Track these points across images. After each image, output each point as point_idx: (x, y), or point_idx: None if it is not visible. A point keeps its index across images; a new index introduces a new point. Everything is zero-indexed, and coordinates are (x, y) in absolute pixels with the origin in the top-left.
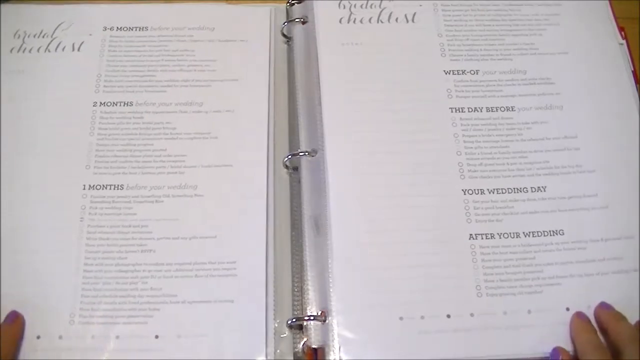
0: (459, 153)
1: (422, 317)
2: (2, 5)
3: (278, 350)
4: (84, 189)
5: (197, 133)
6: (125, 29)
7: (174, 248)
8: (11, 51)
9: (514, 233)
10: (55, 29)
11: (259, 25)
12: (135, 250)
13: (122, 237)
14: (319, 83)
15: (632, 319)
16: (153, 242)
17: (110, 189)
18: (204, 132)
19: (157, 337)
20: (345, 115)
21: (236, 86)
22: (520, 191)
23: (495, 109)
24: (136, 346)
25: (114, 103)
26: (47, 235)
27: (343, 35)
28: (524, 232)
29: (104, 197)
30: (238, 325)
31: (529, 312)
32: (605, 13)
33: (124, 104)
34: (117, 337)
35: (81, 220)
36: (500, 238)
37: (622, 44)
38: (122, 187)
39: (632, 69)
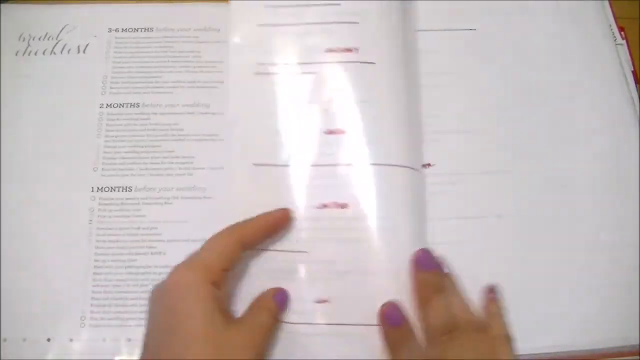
0: None
1: None
2: (3, 5)
3: None
4: (92, 191)
5: (205, 135)
6: (130, 30)
7: (184, 250)
8: (16, 54)
9: None
10: (60, 31)
11: None
12: (145, 252)
13: (132, 239)
14: None
15: None
16: (163, 244)
17: (118, 191)
18: (212, 133)
19: None
20: None
21: None
22: None
23: None
24: None
25: (120, 105)
26: (56, 238)
27: None
28: None
29: (113, 199)
30: None
31: None
32: (602, 12)
33: (131, 105)
34: (129, 339)
35: (90, 223)
36: None
37: (621, 44)
38: (130, 189)
39: (632, 69)
